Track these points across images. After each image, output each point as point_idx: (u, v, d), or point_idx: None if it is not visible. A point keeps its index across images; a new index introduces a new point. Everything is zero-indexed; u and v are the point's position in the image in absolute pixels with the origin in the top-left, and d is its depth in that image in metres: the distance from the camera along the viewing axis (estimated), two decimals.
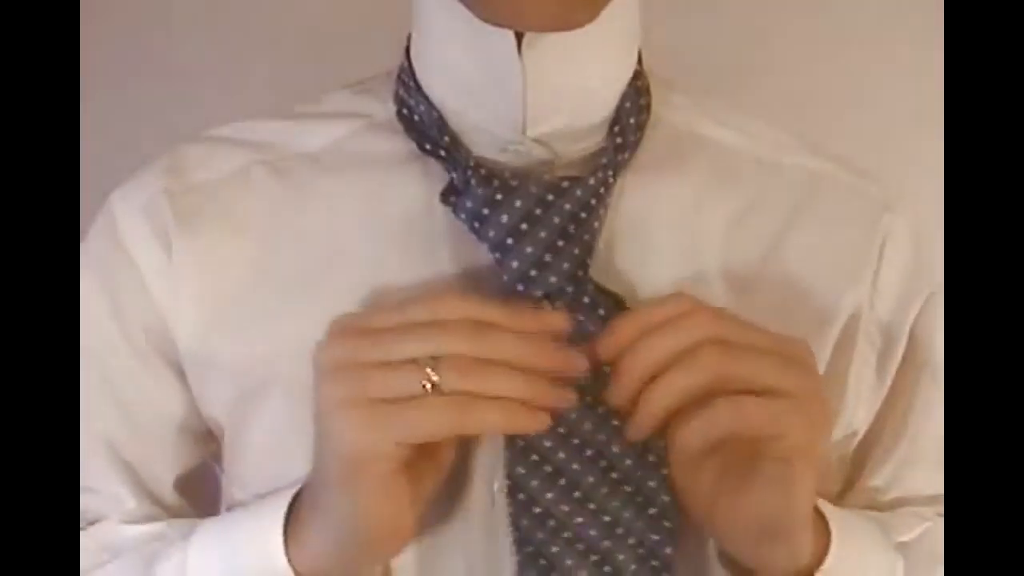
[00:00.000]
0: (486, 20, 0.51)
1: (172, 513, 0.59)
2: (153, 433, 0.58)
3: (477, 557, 0.52)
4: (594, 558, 0.49)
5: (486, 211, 0.51)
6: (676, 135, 0.58)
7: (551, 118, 0.53)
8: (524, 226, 0.50)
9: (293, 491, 0.50)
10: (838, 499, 0.61)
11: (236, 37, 0.94)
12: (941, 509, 0.59)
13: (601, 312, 0.51)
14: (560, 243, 0.50)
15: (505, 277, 0.51)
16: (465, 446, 0.52)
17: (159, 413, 0.57)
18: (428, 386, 0.44)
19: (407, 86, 0.56)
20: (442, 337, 0.45)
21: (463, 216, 0.52)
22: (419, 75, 0.55)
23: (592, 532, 0.49)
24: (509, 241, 0.50)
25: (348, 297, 0.53)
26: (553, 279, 0.50)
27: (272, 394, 0.54)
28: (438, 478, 0.49)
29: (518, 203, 0.51)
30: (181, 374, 0.56)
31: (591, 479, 0.49)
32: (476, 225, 0.51)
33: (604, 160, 0.53)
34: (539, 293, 0.50)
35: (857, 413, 0.58)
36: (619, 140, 0.54)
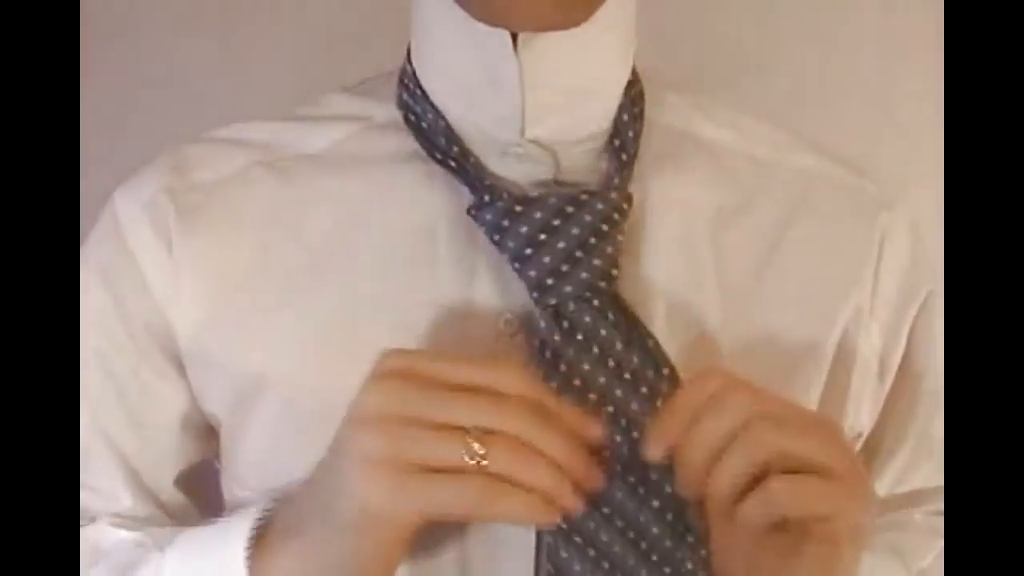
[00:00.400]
0: (481, 20, 0.51)
1: (170, 512, 0.59)
2: (155, 430, 0.57)
3: (473, 565, 0.51)
4: None
5: (506, 223, 0.51)
6: (671, 136, 0.58)
7: (548, 119, 0.53)
8: (542, 236, 0.50)
9: (260, 511, 0.49)
10: None
11: (236, 37, 0.94)
12: (941, 505, 0.60)
13: (609, 321, 0.50)
14: (578, 254, 0.50)
15: (525, 286, 0.51)
16: None
17: (161, 409, 0.57)
18: (470, 459, 0.43)
19: (411, 92, 0.56)
20: (503, 413, 0.44)
21: (484, 228, 0.51)
22: (420, 78, 0.55)
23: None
24: (528, 251, 0.50)
25: (346, 297, 0.53)
26: (568, 288, 0.50)
27: (270, 393, 0.53)
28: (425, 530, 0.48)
29: (537, 214, 0.51)
30: (183, 370, 0.56)
31: (631, 561, 0.48)
32: (496, 237, 0.51)
33: (616, 180, 0.53)
34: (552, 301, 0.50)
35: (860, 415, 0.58)
36: (624, 157, 0.54)
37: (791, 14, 0.96)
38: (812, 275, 0.56)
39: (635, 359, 0.50)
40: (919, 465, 0.60)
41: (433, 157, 0.54)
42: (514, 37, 0.51)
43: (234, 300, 0.54)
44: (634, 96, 0.56)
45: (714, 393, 0.45)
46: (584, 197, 0.51)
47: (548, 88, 0.52)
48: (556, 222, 0.50)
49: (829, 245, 0.57)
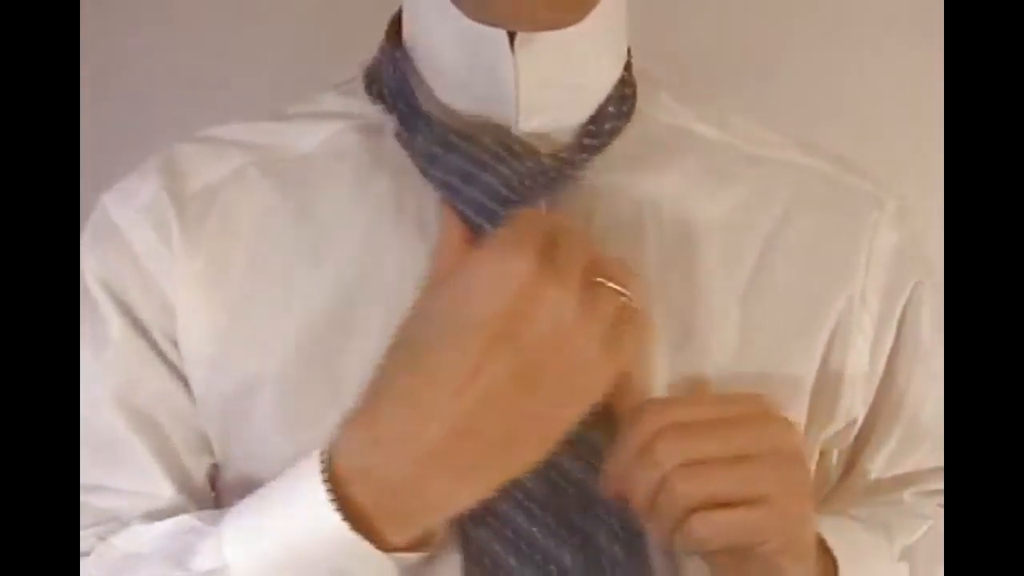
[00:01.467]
0: (478, 20, 0.51)
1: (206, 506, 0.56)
2: (182, 416, 0.55)
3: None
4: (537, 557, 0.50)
5: (437, 150, 0.51)
6: (663, 131, 0.58)
7: (542, 113, 0.53)
8: (472, 169, 0.51)
9: (320, 453, 0.46)
10: (837, 484, 0.62)
11: (236, 37, 0.95)
12: (940, 484, 0.60)
13: None
14: (504, 192, 0.51)
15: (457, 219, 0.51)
16: None
17: (183, 396, 0.55)
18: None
19: (382, 49, 0.57)
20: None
21: (411, 153, 0.52)
22: (415, 62, 0.56)
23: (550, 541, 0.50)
24: (455, 182, 0.51)
25: (340, 293, 0.53)
26: (488, 227, 0.50)
27: (265, 393, 0.53)
28: None
29: (473, 149, 0.51)
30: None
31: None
32: (424, 165, 0.52)
33: (565, 154, 0.53)
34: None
35: (854, 402, 0.59)
36: (587, 143, 0.54)
37: (792, 16, 0.96)
38: (805, 269, 0.57)
39: None
40: (910, 450, 0.61)
41: (369, 92, 0.56)
42: (510, 36, 0.51)
43: (229, 306, 0.54)
44: (623, 96, 0.56)
45: (645, 442, 0.47)
46: (517, 148, 0.52)
47: (543, 86, 0.53)
48: (487, 158, 0.51)
49: (822, 241, 0.57)
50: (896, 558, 0.56)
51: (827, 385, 0.57)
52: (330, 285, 0.54)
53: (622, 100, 0.56)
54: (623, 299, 0.46)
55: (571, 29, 0.52)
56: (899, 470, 0.61)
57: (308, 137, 0.57)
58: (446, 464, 0.46)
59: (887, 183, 0.61)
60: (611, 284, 0.46)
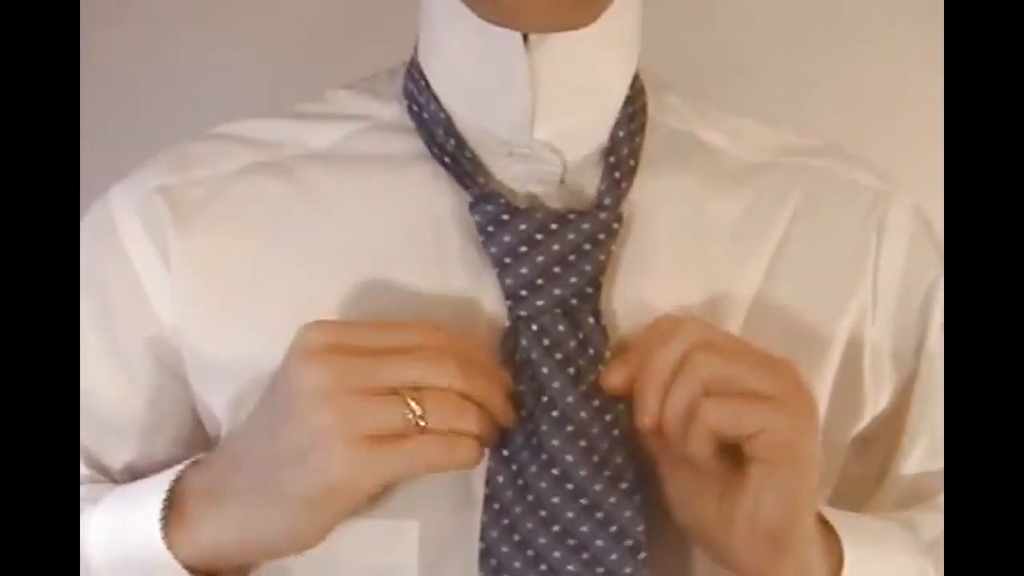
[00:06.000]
0: (491, 22, 0.51)
1: None
2: (120, 436, 0.57)
3: (476, 555, 0.52)
4: None
5: (491, 228, 0.51)
6: (673, 138, 0.58)
7: (557, 119, 0.53)
8: (523, 248, 0.51)
9: (173, 476, 0.51)
10: (873, 487, 0.61)
11: (236, 37, 0.95)
12: None
13: (579, 341, 0.51)
14: (556, 270, 0.51)
15: (501, 293, 0.51)
16: None
17: (116, 401, 0.57)
18: (412, 418, 0.46)
19: (417, 83, 0.56)
20: (429, 368, 0.46)
21: (475, 225, 0.52)
22: (428, 77, 0.55)
23: (556, 554, 0.49)
24: (507, 260, 0.51)
25: (349, 296, 0.53)
26: (540, 303, 0.50)
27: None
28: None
29: (522, 226, 0.51)
30: (174, 379, 0.56)
31: (556, 499, 0.49)
32: (483, 239, 0.52)
33: (608, 200, 0.53)
34: (523, 313, 0.51)
35: (879, 400, 0.59)
36: (616, 175, 0.54)
37: (791, 14, 0.96)
38: (816, 273, 0.57)
39: (591, 376, 0.50)
40: (940, 449, 0.60)
41: (431, 151, 0.55)
42: (524, 38, 0.51)
43: (234, 300, 0.54)
44: (633, 112, 0.56)
45: (665, 330, 0.48)
46: (572, 216, 0.51)
47: (557, 88, 0.52)
48: (539, 236, 0.51)
49: (829, 242, 0.57)
50: (918, 553, 0.55)
51: (849, 385, 0.57)
52: (337, 284, 0.53)
53: (633, 116, 0.56)
54: (415, 419, 0.46)
55: (584, 30, 0.52)
56: (934, 467, 0.61)
57: (321, 136, 0.57)
58: (222, 492, 0.49)
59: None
60: (411, 402, 0.46)
